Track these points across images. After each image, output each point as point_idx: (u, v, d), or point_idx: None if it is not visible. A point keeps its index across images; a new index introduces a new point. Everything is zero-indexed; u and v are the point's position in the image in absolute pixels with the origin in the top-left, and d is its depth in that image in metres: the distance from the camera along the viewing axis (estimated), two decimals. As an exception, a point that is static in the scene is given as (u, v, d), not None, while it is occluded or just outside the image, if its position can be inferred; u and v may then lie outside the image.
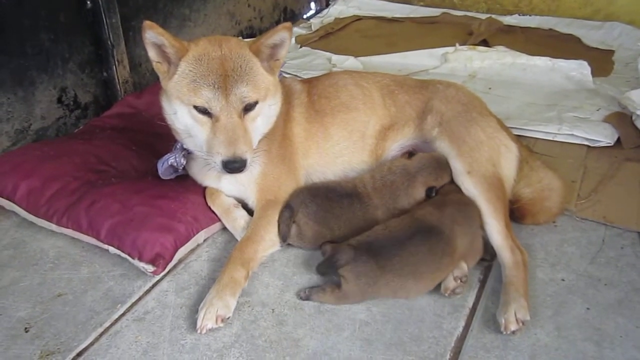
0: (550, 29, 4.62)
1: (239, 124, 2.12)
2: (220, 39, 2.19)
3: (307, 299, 2.10)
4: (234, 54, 2.14)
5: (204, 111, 2.12)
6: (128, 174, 2.70)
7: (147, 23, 2.09)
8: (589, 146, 3.07)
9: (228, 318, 2.01)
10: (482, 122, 2.49)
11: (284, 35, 2.19)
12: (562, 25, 4.64)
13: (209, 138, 2.12)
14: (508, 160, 2.42)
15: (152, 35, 2.11)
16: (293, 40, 4.59)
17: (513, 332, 1.94)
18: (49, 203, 2.46)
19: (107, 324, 2.04)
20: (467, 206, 2.25)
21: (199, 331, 1.96)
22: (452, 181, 2.38)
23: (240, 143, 2.09)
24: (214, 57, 2.11)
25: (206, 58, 2.11)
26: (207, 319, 1.97)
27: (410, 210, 2.26)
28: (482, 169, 2.33)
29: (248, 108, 2.15)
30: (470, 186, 2.31)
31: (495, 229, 2.22)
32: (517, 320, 1.95)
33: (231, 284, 2.06)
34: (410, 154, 2.45)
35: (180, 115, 2.18)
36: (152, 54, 2.16)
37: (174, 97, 2.16)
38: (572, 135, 3.12)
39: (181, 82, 2.12)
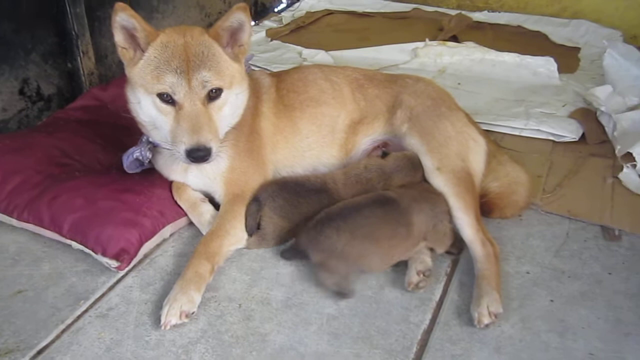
0: (519, 26, 4.68)
1: (203, 112, 2.08)
2: (184, 28, 2.17)
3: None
4: (195, 41, 2.11)
5: (168, 100, 2.08)
6: (92, 168, 2.64)
7: (119, 5, 2.05)
8: (554, 141, 3.12)
9: (193, 313, 1.98)
10: (451, 116, 2.50)
11: (239, 17, 2.13)
12: (531, 22, 4.70)
13: (173, 128, 2.09)
14: (477, 155, 2.44)
15: (124, 17, 2.07)
16: (263, 33, 4.55)
17: (486, 326, 1.96)
18: (9, 197, 2.39)
19: (69, 321, 2.00)
20: (432, 194, 2.27)
21: (162, 327, 1.93)
22: (424, 179, 2.39)
23: (205, 131, 2.06)
24: (178, 44, 2.09)
25: (171, 45, 2.09)
26: (170, 315, 1.94)
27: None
28: (451, 164, 2.34)
29: (213, 97, 2.12)
30: (440, 182, 2.32)
31: (466, 223, 2.23)
32: (489, 313, 1.97)
33: (196, 278, 2.04)
34: (384, 153, 2.45)
35: (144, 105, 2.14)
36: (119, 38, 2.12)
37: (138, 86, 2.13)
38: (539, 130, 3.17)
39: (145, 69, 2.09)
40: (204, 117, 2.08)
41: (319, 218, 2.14)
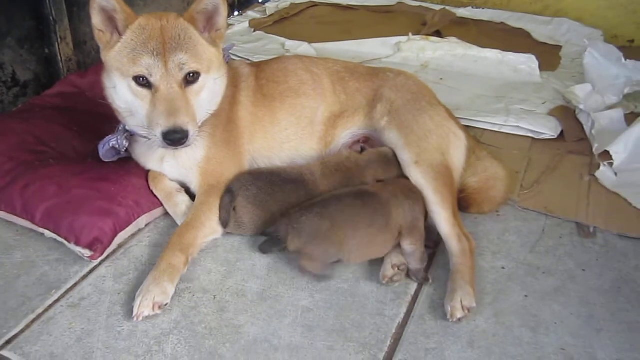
0: (502, 23, 4.69)
1: (180, 94, 2.05)
2: (161, 14, 2.15)
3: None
4: (171, 24, 2.09)
5: (144, 84, 2.05)
6: (68, 156, 2.59)
7: None
8: (533, 138, 3.13)
9: (166, 305, 1.96)
10: (430, 110, 2.50)
11: (212, 2, 2.11)
12: (513, 20, 4.72)
13: (149, 112, 2.06)
14: (457, 149, 2.44)
15: None
16: (247, 24, 4.51)
17: (459, 320, 1.97)
18: (-20, 184, 2.35)
19: (39, 310, 1.96)
20: (412, 192, 2.26)
21: (135, 319, 1.91)
22: (401, 174, 2.38)
23: (181, 113, 2.03)
24: (155, 28, 2.07)
25: (149, 28, 2.07)
26: (143, 306, 1.91)
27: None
28: (429, 158, 2.34)
29: (190, 80, 2.10)
30: (417, 176, 2.31)
31: (443, 218, 2.23)
32: (463, 307, 1.98)
33: (169, 270, 2.01)
34: (362, 149, 2.44)
35: (119, 90, 2.11)
36: (97, 20, 2.08)
37: (114, 69, 2.09)
38: (518, 127, 3.18)
39: (122, 52, 2.06)
40: (181, 99, 2.05)
41: (301, 206, 2.15)
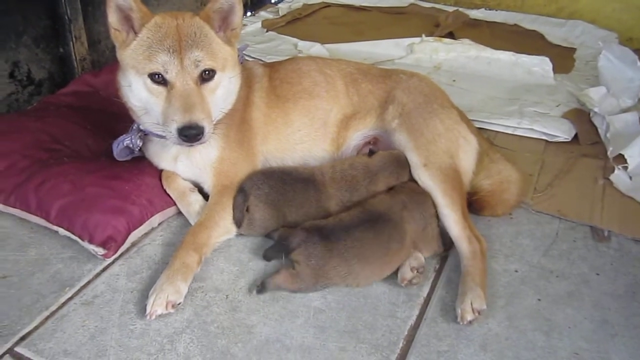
0: (515, 25, 4.68)
1: (196, 91, 2.06)
2: (176, 13, 2.15)
3: (263, 289, 2.04)
4: (187, 23, 2.10)
5: (159, 81, 2.05)
6: (82, 154, 2.61)
7: None
8: (547, 141, 3.12)
9: (179, 304, 1.96)
10: (442, 114, 2.49)
11: (228, 2, 2.11)
12: (527, 22, 4.70)
13: (165, 108, 2.06)
14: (466, 153, 2.42)
15: None
16: (259, 24, 4.52)
17: (470, 322, 1.96)
18: (-5, 181, 2.37)
19: (53, 308, 1.98)
20: (420, 195, 2.26)
21: (148, 317, 1.91)
22: (411, 178, 2.37)
23: (197, 110, 2.02)
24: (171, 26, 2.08)
25: (165, 26, 2.08)
26: (157, 305, 1.92)
27: (363, 201, 2.25)
28: (438, 161, 2.33)
29: (206, 78, 2.10)
30: (426, 179, 2.31)
31: (452, 220, 2.23)
32: (473, 310, 1.96)
33: (183, 269, 2.02)
34: (371, 152, 2.43)
35: (135, 88, 2.11)
36: (114, 19, 2.09)
37: (130, 67, 2.10)
38: (532, 129, 3.16)
39: (138, 50, 2.07)
40: (197, 96, 2.05)
41: (317, 226, 2.10)
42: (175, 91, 2.04)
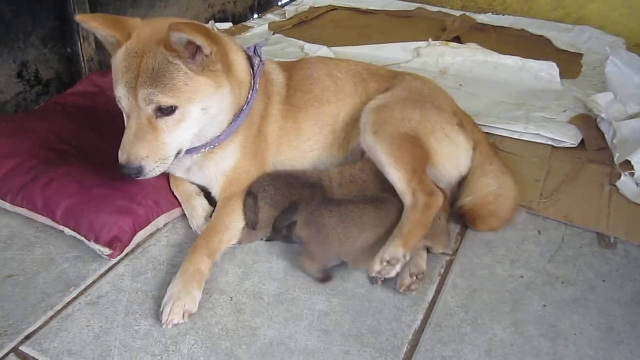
0: (522, 30, 4.67)
1: (146, 127, 2.00)
2: (162, 28, 1.96)
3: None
4: (152, 53, 1.97)
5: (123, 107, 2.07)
6: (88, 154, 2.61)
7: (78, 17, 2.06)
8: (554, 146, 3.10)
9: (194, 313, 1.95)
10: (429, 111, 2.40)
11: (179, 36, 1.90)
12: (534, 27, 4.69)
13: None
14: (442, 145, 2.33)
15: (87, 27, 2.06)
16: (266, 27, 4.53)
17: (378, 273, 1.96)
18: (3, 181, 2.37)
19: (58, 307, 1.98)
20: None
21: (164, 326, 1.90)
22: None
23: (137, 148, 1.99)
24: (139, 54, 1.98)
25: (133, 54, 1.99)
26: (174, 314, 1.90)
27: None
28: (392, 129, 2.25)
29: (166, 113, 2.01)
30: (370, 141, 2.24)
31: (396, 177, 2.19)
32: (381, 260, 1.96)
33: (198, 276, 2.01)
34: None
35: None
36: (99, 36, 2.11)
37: (113, 80, 2.10)
38: (538, 135, 3.15)
39: (113, 72, 2.07)
40: (145, 132, 2.00)
41: (324, 200, 2.18)
42: (128, 124, 2.04)
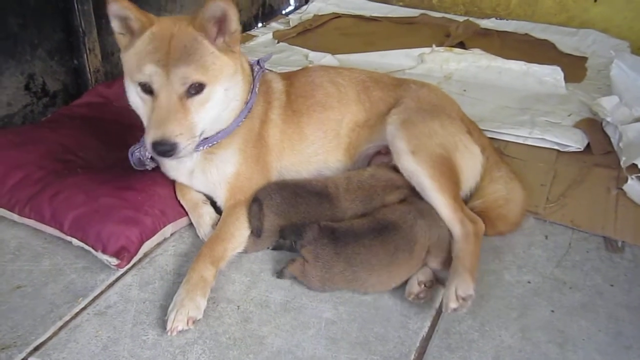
0: (526, 34, 4.67)
1: (177, 106, 2.03)
2: (177, 18, 2.13)
3: (281, 275, 2.14)
4: (181, 33, 2.06)
5: (148, 90, 2.07)
6: (95, 165, 2.63)
7: None
8: (559, 151, 3.10)
9: (199, 320, 1.96)
10: (445, 120, 2.43)
11: (220, 6, 2.03)
12: (538, 31, 4.69)
13: (148, 118, 2.08)
14: (465, 158, 2.36)
15: (117, 8, 2.07)
16: (270, 35, 4.56)
17: (454, 310, 1.92)
18: (11, 192, 2.39)
19: (66, 318, 1.99)
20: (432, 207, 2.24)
21: (169, 333, 1.90)
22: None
23: (172, 124, 2.00)
24: (165, 36, 2.05)
25: (159, 36, 2.05)
26: (178, 321, 1.91)
27: (375, 211, 2.26)
28: (428, 150, 2.25)
29: (194, 92, 2.06)
30: (411, 164, 2.23)
31: (442, 203, 2.18)
32: (457, 297, 1.93)
33: (201, 283, 2.02)
34: (395, 168, 2.38)
35: (130, 93, 2.15)
36: (116, 25, 2.13)
37: (127, 72, 2.14)
38: (543, 139, 3.15)
39: (132, 58, 2.09)
40: (177, 110, 2.02)
41: (331, 228, 2.12)
42: (157, 103, 2.04)
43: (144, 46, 2.06)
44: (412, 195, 2.31)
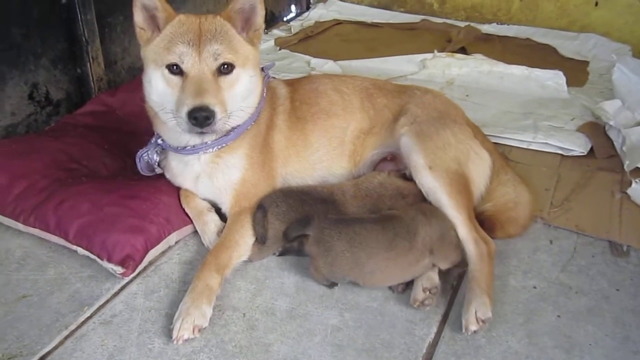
0: (527, 39, 4.68)
1: (210, 79, 2.09)
2: (200, 15, 2.21)
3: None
4: (209, 20, 2.15)
5: (176, 72, 2.10)
6: (99, 173, 2.64)
7: None
8: (562, 155, 3.10)
9: (204, 328, 1.96)
10: (454, 127, 2.47)
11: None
12: (539, 35, 4.69)
13: (179, 96, 2.09)
14: (477, 166, 2.40)
15: None
16: (272, 42, 4.57)
17: (474, 332, 1.93)
18: (15, 201, 2.40)
19: (72, 327, 1.99)
20: (437, 208, 2.25)
21: (175, 342, 1.90)
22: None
23: (209, 94, 2.05)
24: (194, 22, 2.14)
25: (187, 23, 2.14)
26: (183, 329, 1.91)
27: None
28: (444, 164, 2.30)
29: (224, 72, 2.13)
30: (430, 180, 2.28)
31: (458, 221, 2.20)
32: (477, 319, 1.94)
33: (206, 291, 2.02)
34: (404, 175, 2.41)
35: (153, 82, 2.16)
36: (139, 18, 2.17)
37: (150, 61, 2.16)
38: (547, 144, 3.15)
39: (159, 44, 2.13)
40: (211, 83, 2.08)
41: (335, 217, 2.18)
42: (189, 79, 2.08)
43: (172, 30, 2.12)
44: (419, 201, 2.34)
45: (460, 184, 2.28)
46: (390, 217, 2.18)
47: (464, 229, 2.19)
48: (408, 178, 2.39)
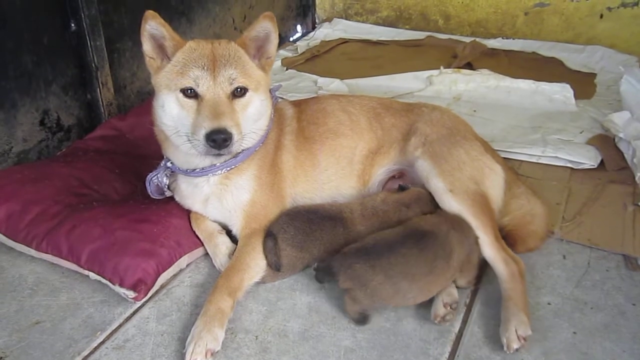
0: (533, 52, 4.68)
1: (226, 102, 2.12)
2: (212, 40, 2.24)
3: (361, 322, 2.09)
4: (222, 46, 2.19)
5: (191, 95, 2.12)
6: (110, 198, 2.66)
7: (149, 12, 2.13)
8: (572, 168, 3.08)
9: (217, 352, 1.95)
10: (465, 144, 2.49)
11: (266, 26, 2.19)
12: (545, 49, 4.70)
13: (194, 119, 2.10)
14: (493, 182, 2.41)
15: (153, 26, 2.14)
16: (279, 62, 4.60)
17: (517, 350, 1.93)
18: (28, 227, 2.42)
19: (85, 353, 1.99)
20: (463, 221, 2.23)
21: None
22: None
23: (226, 117, 2.08)
24: (206, 48, 2.17)
25: (199, 48, 2.16)
26: (196, 354, 1.90)
27: (404, 221, 2.27)
28: (464, 186, 2.32)
29: (238, 95, 2.16)
30: (453, 203, 2.29)
31: (486, 242, 2.20)
32: (518, 337, 1.94)
33: (218, 315, 2.01)
34: (400, 187, 2.43)
35: (167, 106, 2.17)
36: (148, 47, 2.18)
37: (163, 87, 2.17)
38: (556, 157, 3.14)
39: (172, 70, 2.15)
40: (226, 106, 2.11)
41: (355, 248, 2.10)
42: (205, 102, 2.10)
43: (184, 56, 2.15)
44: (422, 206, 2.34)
45: (482, 203, 2.29)
46: (423, 234, 2.11)
47: (493, 250, 2.19)
48: (403, 188, 2.41)
